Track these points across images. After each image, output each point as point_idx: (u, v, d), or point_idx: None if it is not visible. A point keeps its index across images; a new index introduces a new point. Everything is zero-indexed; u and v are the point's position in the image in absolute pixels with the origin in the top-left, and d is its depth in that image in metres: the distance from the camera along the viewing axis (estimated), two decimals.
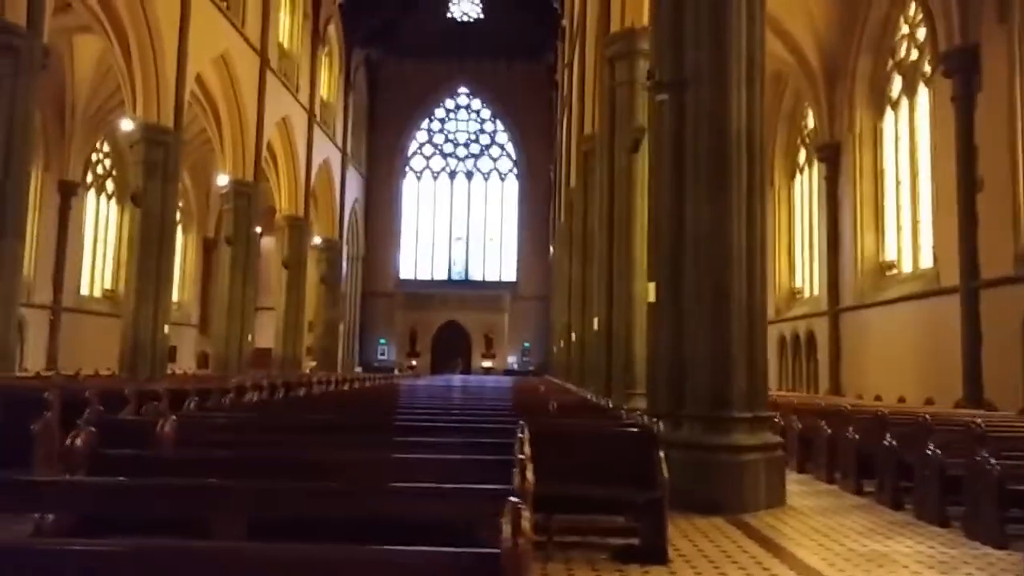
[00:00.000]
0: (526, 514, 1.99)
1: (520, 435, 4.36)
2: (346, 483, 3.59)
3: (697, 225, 7.63)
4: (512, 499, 2.04)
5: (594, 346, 15.27)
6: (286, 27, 29.04)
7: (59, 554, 2.37)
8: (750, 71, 7.77)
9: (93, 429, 4.06)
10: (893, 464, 7.11)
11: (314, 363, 32.99)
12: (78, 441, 3.90)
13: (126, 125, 19.18)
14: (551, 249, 37.60)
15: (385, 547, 2.19)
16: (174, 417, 5.05)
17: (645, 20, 13.33)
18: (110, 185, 28.66)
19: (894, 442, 7.24)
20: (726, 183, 7.49)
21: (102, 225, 28.50)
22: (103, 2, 18.34)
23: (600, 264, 14.30)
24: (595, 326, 14.72)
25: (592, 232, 17.30)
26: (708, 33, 7.76)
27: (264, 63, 25.28)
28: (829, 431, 8.79)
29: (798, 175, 23.10)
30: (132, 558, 2.31)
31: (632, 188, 13.48)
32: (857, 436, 8.08)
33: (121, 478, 3.58)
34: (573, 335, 20.73)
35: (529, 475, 2.92)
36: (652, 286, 8.22)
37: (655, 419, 6.43)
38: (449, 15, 44.17)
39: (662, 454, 5.35)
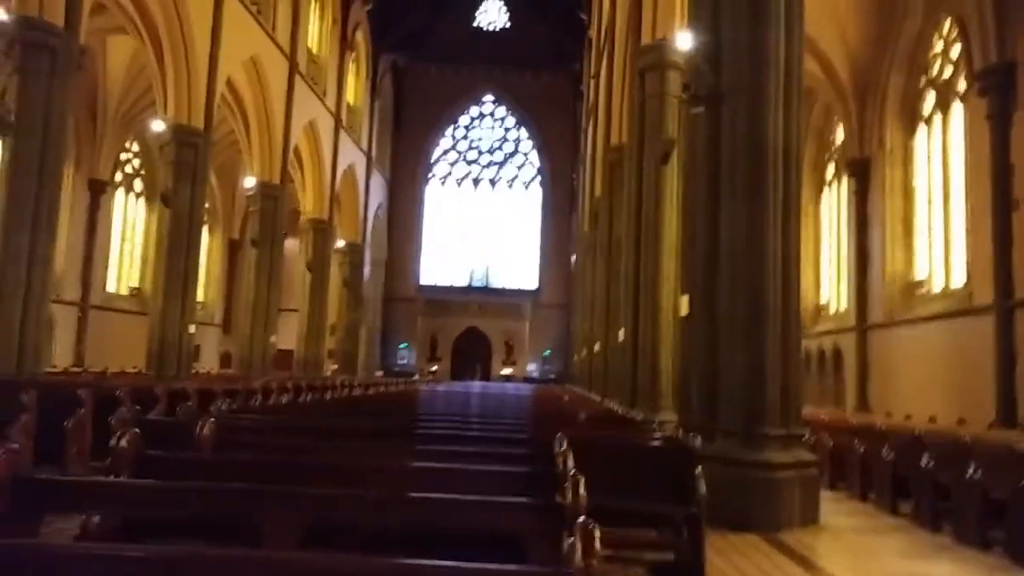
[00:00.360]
0: (598, 534, 1.96)
1: (561, 447, 4.31)
2: (379, 490, 3.57)
3: (732, 238, 7.55)
4: (582, 518, 2.02)
5: (619, 357, 15.19)
6: (315, 32, 29.28)
7: (100, 558, 2.34)
8: (788, 86, 7.70)
9: (137, 430, 4.08)
10: (930, 485, 6.98)
11: (335, 366, 33.10)
12: (123, 442, 3.91)
13: (157, 126, 19.37)
14: (573, 257, 37.51)
15: (451, 563, 2.16)
16: (213, 419, 5.06)
17: (677, 32, 13.34)
18: (139, 184, 29.00)
19: (932, 463, 7.11)
20: (762, 197, 7.41)
21: (130, 224, 28.83)
22: (138, 4, 18.57)
23: (626, 275, 14.23)
24: (620, 337, 14.64)
25: (618, 242, 17.22)
26: (746, 48, 7.70)
27: (293, 67, 25.49)
28: (862, 449, 8.66)
29: (826, 189, 22.91)
30: (171, 565, 2.27)
31: (661, 200, 13.39)
32: (892, 455, 7.94)
33: (170, 481, 3.58)
34: (596, 345, 20.62)
35: (582, 490, 2.87)
36: (685, 299, 8.20)
37: (691, 433, 6.36)
38: (475, 23, 44.35)
39: (699, 469, 5.27)
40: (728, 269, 7.56)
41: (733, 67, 7.75)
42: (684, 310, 8.19)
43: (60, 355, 23.41)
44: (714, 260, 7.71)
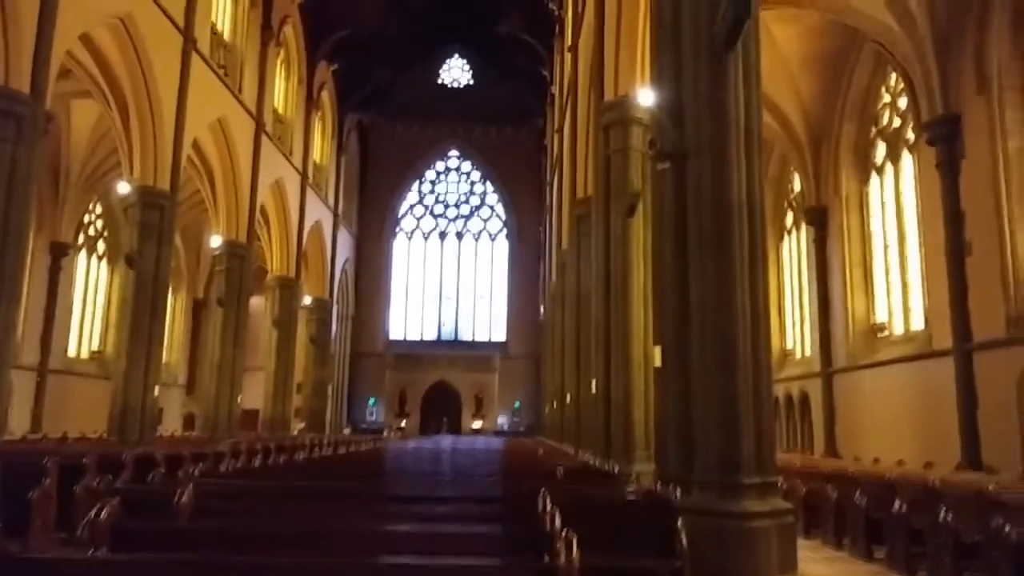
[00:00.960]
0: None
1: (546, 506, 4.32)
2: (352, 556, 3.53)
3: (701, 291, 7.69)
4: None
5: (591, 408, 15.22)
6: (281, 92, 29.58)
7: None
8: (748, 142, 7.93)
9: (116, 501, 4.01)
10: (904, 530, 7.05)
11: (302, 424, 32.58)
12: (103, 515, 3.84)
13: (122, 188, 19.27)
14: (542, 309, 37.65)
15: None
16: (191, 486, 4.98)
17: (639, 89, 13.74)
18: (101, 246, 28.65)
19: (904, 508, 7.20)
20: (728, 250, 7.57)
21: (92, 286, 28.36)
22: (104, 69, 18.63)
23: (596, 326, 14.35)
24: (592, 388, 14.70)
25: (586, 293, 17.44)
26: (707, 106, 7.94)
27: (259, 127, 25.66)
28: (835, 495, 8.74)
29: (786, 237, 23.47)
30: None
31: (628, 251, 13.63)
32: (865, 501, 8.02)
33: (150, 552, 3.53)
34: (568, 396, 20.64)
35: (574, 551, 2.90)
36: (658, 350, 8.26)
37: (670, 485, 6.37)
38: (439, 81, 45.13)
39: (680, 522, 5.29)
40: (699, 321, 7.66)
41: (696, 125, 7.98)
42: (657, 361, 8.26)
43: (17, 421, 22.72)
44: (684, 312, 7.81)
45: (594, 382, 14.50)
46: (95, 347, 28.31)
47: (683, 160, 7.98)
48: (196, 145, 22.06)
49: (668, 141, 8.22)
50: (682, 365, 7.77)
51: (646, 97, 12.64)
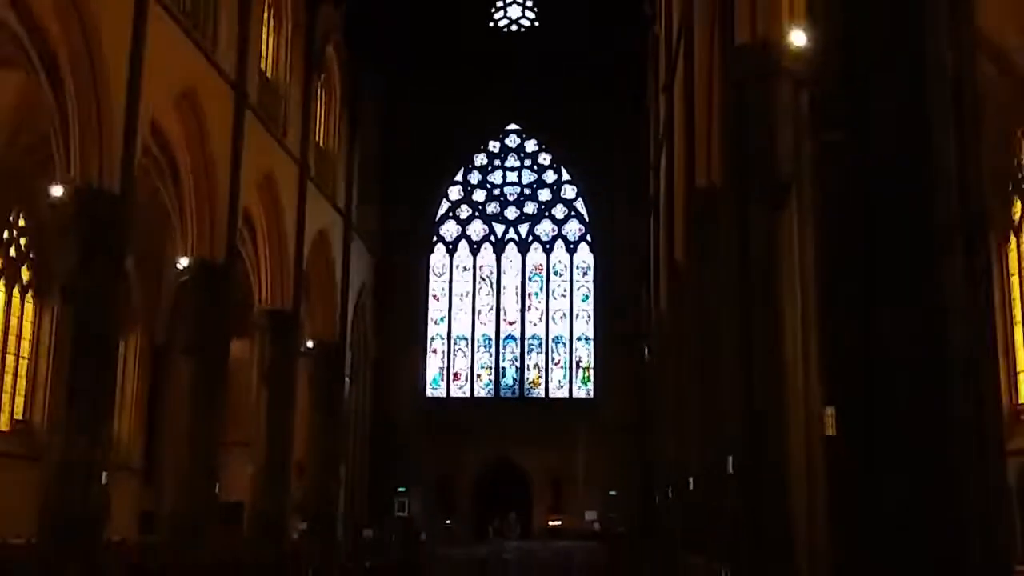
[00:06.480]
0: None
1: None
2: None
3: (894, 324, 7.67)
4: None
5: (726, 496, 15.23)
6: (271, 46, 30.18)
7: None
8: (960, 105, 7.90)
9: None
10: None
11: (303, 525, 32.83)
12: None
13: (56, 191, 19.83)
14: (646, 351, 37.38)
15: None
16: None
17: (786, 27, 13.70)
18: (26, 273, 29.59)
19: None
20: (935, 266, 7.57)
21: (12, 328, 29.26)
22: (29, 26, 19.28)
23: (732, 376, 14.33)
24: (729, 467, 14.70)
25: (713, 327, 17.43)
26: (894, 46, 7.94)
27: (241, 98, 26.17)
28: None
29: (1012, 238, 22.86)
30: None
31: (777, 262, 13.65)
32: None
33: None
34: (690, 480, 20.55)
35: None
36: (829, 412, 8.25)
37: None
38: (492, 23, 45.37)
39: None
40: (888, 368, 7.65)
41: (880, 73, 7.96)
42: (829, 428, 8.22)
43: None
44: (867, 355, 7.80)
45: (730, 460, 14.47)
46: (18, 415, 29.10)
47: (862, 131, 7.87)
48: (155, 127, 22.64)
49: (834, 103, 8.18)
50: (866, 433, 7.75)
51: (799, 38, 12.63)
